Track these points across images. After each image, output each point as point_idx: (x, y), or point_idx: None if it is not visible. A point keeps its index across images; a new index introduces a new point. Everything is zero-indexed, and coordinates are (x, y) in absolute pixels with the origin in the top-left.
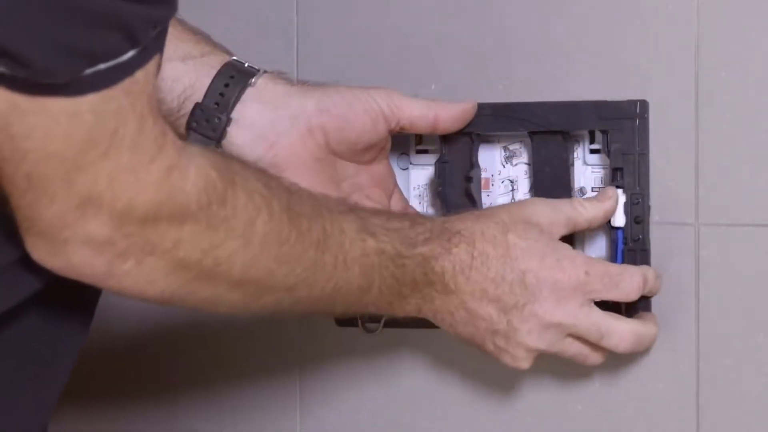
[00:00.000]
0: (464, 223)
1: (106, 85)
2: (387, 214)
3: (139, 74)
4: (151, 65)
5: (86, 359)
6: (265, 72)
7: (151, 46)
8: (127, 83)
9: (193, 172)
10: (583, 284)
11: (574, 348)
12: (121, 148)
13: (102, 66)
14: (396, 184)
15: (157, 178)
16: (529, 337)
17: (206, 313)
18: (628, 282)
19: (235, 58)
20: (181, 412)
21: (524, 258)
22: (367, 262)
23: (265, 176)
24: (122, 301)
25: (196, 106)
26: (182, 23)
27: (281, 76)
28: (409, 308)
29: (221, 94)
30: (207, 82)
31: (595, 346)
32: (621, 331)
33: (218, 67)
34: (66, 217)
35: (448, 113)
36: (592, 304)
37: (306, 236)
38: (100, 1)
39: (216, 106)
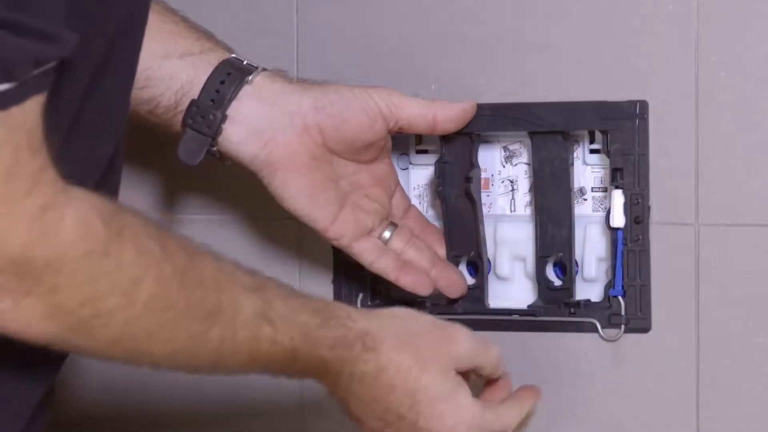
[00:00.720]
0: (385, 344)
1: None
2: (302, 302)
3: (15, 110)
4: (30, 104)
5: (83, 362)
6: (264, 70)
7: (31, 85)
8: (0, 115)
9: (71, 215)
10: None
11: None
12: None
13: None
14: (398, 184)
15: (30, 214)
16: None
17: None
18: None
19: (234, 55)
20: (180, 414)
21: (426, 404)
22: (257, 347)
23: (163, 237)
24: None
25: (192, 102)
26: (185, 20)
27: (280, 73)
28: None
29: (217, 91)
30: (204, 78)
31: None
32: None
33: (216, 64)
34: None
35: (447, 113)
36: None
37: (195, 307)
38: None
39: (211, 102)
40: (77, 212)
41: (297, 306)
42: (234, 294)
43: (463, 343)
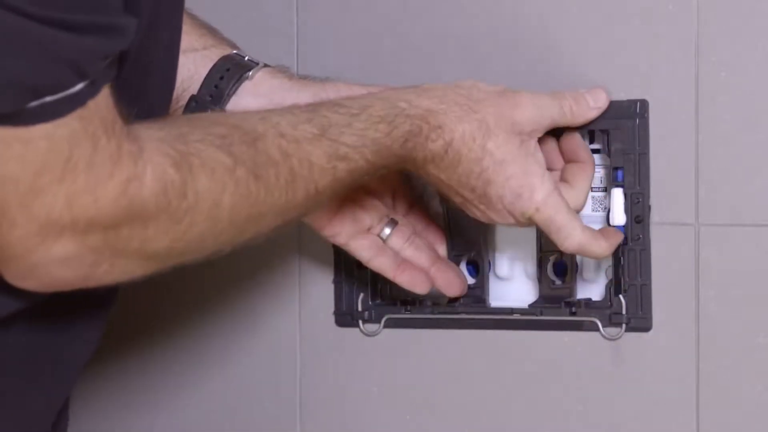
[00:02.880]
0: (448, 117)
1: (54, 116)
2: (366, 118)
3: (91, 103)
4: (102, 93)
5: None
6: (266, 66)
7: (102, 77)
8: (78, 111)
9: (149, 176)
10: (530, 217)
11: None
12: (76, 171)
13: (48, 99)
14: (401, 182)
15: (116, 194)
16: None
17: (205, 313)
18: (563, 240)
19: (236, 51)
20: (180, 413)
21: (493, 170)
22: (339, 184)
23: (227, 140)
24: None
25: (191, 98)
26: (192, 17)
27: (281, 70)
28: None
29: (216, 87)
30: (204, 74)
31: None
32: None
33: (216, 60)
34: (28, 242)
35: None
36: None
37: (275, 186)
38: (43, 35)
39: (210, 98)
40: (153, 170)
41: (362, 127)
42: (302, 153)
43: (525, 104)
